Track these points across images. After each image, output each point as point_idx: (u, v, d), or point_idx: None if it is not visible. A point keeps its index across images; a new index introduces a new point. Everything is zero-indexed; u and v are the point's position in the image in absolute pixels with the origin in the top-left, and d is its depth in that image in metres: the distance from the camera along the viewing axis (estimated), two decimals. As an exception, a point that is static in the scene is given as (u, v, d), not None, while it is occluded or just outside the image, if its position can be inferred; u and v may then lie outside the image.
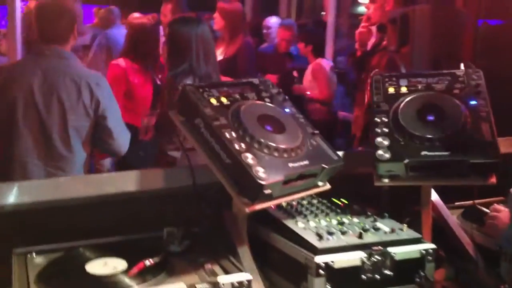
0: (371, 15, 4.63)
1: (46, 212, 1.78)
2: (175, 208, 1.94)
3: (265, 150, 1.66)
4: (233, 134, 1.66)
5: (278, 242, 1.80)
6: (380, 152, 1.85)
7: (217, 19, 4.97)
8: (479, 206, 2.21)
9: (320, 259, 1.63)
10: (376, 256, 1.69)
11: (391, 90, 2.03)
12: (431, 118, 1.91)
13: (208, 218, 1.92)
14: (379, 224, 1.85)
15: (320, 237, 1.72)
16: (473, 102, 1.94)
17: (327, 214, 1.90)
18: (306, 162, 1.71)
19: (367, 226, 1.82)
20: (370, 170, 1.88)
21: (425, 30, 3.54)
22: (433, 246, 1.79)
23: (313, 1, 11.09)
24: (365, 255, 1.69)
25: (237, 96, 1.82)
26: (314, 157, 1.76)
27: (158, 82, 4.41)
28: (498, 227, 1.88)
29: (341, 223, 1.84)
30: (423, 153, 1.83)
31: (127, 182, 1.86)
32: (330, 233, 1.74)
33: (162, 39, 4.45)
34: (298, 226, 1.80)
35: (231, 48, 4.85)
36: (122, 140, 3.18)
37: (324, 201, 2.01)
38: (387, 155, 1.83)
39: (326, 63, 5.47)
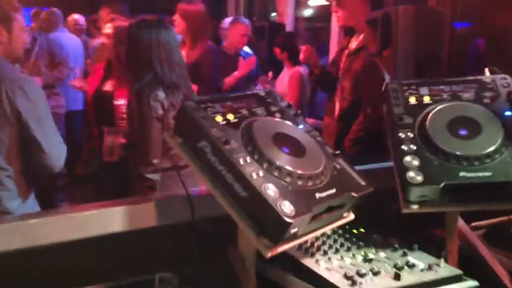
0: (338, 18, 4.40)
1: (17, 260, 1.43)
2: (169, 247, 1.61)
3: (287, 179, 1.36)
4: (248, 159, 1.35)
5: (297, 286, 1.50)
6: (411, 174, 1.58)
7: (178, 21, 4.60)
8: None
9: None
10: (418, 301, 1.42)
11: (413, 100, 1.77)
12: (464, 132, 1.65)
13: (209, 257, 1.61)
14: (411, 259, 1.59)
15: (350, 280, 1.44)
16: (508, 113, 1.70)
17: (348, 249, 1.62)
18: (333, 191, 1.43)
19: (399, 263, 1.55)
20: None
21: (408, 31, 3.33)
22: (476, 283, 1.54)
23: (264, 2, 10.86)
24: (404, 303, 1.42)
25: (245, 111, 1.52)
26: (341, 184, 1.47)
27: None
28: None
29: (368, 260, 1.56)
30: (462, 174, 1.57)
31: (112, 220, 1.51)
32: (361, 275, 1.46)
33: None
34: (321, 266, 1.51)
35: (194, 53, 4.49)
36: (55, 154, 2.78)
37: (340, 231, 1.72)
38: (420, 178, 1.57)
39: (303, 70, 5.19)
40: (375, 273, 1.48)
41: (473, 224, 2.09)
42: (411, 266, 1.54)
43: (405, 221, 1.82)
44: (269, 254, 1.32)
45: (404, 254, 1.62)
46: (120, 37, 3.54)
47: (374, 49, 3.52)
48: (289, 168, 1.37)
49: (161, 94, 3.04)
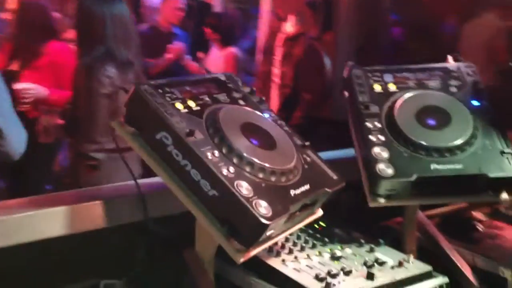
0: None
1: None
2: (117, 251, 1.43)
3: (260, 175, 1.22)
4: (216, 153, 1.20)
5: (263, 290, 1.38)
6: (381, 166, 1.48)
7: None
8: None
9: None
10: (393, 302, 1.33)
11: (378, 87, 1.67)
12: (432, 122, 1.58)
13: (161, 260, 1.44)
14: (380, 255, 1.50)
15: (322, 282, 1.32)
16: (475, 103, 1.64)
17: (313, 246, 1.51)
18: (307, 187, 1.30)
19: (368, 260, 1.46)
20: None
21: (350, 15, 3.26)
22: (446, 280, 1.48)
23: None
24: (382, 305, 1.32)
25: (206, 98, 1.35)
26: (313, 178, 1.35)
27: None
28: (503, 248, 1.61)
29: (336, 258, 1.46)
30: (433, 167, 1.49)
31: (49, 224, 1.30)
32: (333, 276, 1.35)
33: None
34: (288, 267, 1.39)
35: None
36: (14, 140, 2.48)
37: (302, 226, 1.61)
38: (390, 171, 1.47)
39: (237, 51, 4.99)
40: (347, 273, 1.38)
41: (426, 213, 2.05)
42: (381, 263, 1.45)
43: (357, 213, 1.74)
44: (241, 259, 1.18)
45: (371, 250, 1.53)
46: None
47: (314, 33, 3.43)
48: (261, 163, 1.22)
49: (112, 70, 2.79)
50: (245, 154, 1.21)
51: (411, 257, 1.50)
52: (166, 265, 1.47)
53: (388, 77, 1.70)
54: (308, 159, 1.39)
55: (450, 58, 1.79)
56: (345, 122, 1.72)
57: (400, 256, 1.51)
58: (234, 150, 1.21)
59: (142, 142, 1.25)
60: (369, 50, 3.33)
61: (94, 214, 1.35)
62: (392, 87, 1.67)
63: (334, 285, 1.31)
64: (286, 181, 1.25)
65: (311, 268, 1.39)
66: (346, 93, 1.76)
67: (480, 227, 1.77)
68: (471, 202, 1.78)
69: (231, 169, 1.18)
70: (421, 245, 1.74)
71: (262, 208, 1.14)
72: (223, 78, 1.46)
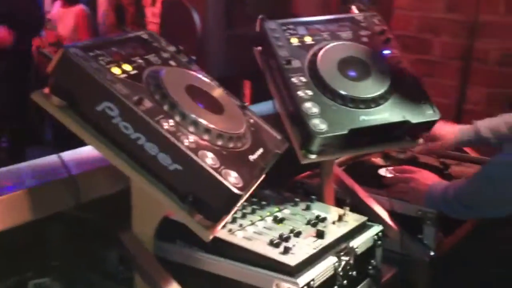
0: None
1: None
2: (40, 244, 1.23)
3: (219, 142, 1.11)
4: (172, 122, 1.06)
5: (215, 265, 1.29)
6: (315, 121, 1.44)
7: None
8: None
9: (302, 281, 1.19)
10: (343, 257, 1.33)
11: (295, 41, 1.62)
12: (353, 74, 1.57)
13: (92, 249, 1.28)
14: (318, 212, 1.48)
15: (278, 246, 1.27)
16: (386, 52, 1.67)
17: (253, 211, 1.44)
18: (261, 151, 1.22)
19: (310, 218, 1.44)
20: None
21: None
22: (380, 227, 1.51)
23: None
24: (336, 259, 1.31)
25: (139, 60, 1.19)
26: (263, 141, 1.27)
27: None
28: (417, 190, 1.69)
29: (279, 220, 1.42)
30: (362, 118, 1.50)
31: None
32: (285, 239, 1.30)
33: None
34: (237, 236, 1.31)
35: None
36: None
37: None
38: (324, 126, 1.44)
39: (85, 8, 4.52)
40: (297, 234, 1.34)
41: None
42: (323, 219, 1.44)
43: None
44: (210, 236, 1.07)
45: (308, 208, 1.51)
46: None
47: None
48: (218, 129, 1.11)
49: None
50: (201, 121, 1.09)
51: (347, 210, 1.51)
52: (97, 254, 1.31)
53: (301, 30, 1.66)
54: (251, 120, 1.31)
55: (354, 8, 1.79)
56: (222, 78, 1.60)
57: (335, 210, 1.52)
58: (189, 117, 1.08)
59: (75, 116, 1.06)
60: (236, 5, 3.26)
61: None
62: (308, 39, 1.63)
63: (290, 248, 1.26)
64: (242, 146, 1.16)
65: (260, 234, 1.33)
66: (258, 48, 1.69)
67: (389, 172, 1.84)
68: (394, 149, 1.83)
69: (191, 138, 1.05)
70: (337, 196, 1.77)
71: (232, 178, 1.04)
72: (145, 36, 1.30)
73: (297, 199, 1.54)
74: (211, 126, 1.10)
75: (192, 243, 1.34)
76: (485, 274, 1.85)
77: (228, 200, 1.04)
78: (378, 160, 2.07)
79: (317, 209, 1.51)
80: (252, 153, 1.17)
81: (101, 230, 1.25)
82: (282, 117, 1.54)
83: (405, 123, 1.53)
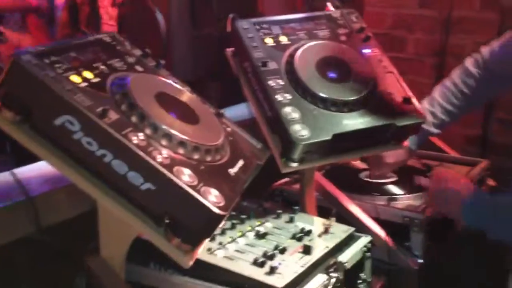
0: None
1: None
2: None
3: (195, 156, 0.99)
4: (141, 136, 0.94)
5: None
6: (296, 127, 1.34)
7: None
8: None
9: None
10: (333, 274, 1.23)
11: (270, 41, 1.51)
12: (333, 75, 1.47)
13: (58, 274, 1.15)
14: (302, 225, 1.38)
15: (263, 266, 1.16)
16: (367, 51, 1.58)
17: (233, 226, 1.33)
18: (242, 163, 1.11)
19: (295, 232, 1.33)
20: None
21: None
22: (369, 238, 1.42)
23: None
24: (326, 276, 1.21)
25: (101, 66, 1.06)
26: (242, 151, 1.16)
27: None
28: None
29: (261, 236, 1.31)
30: (345, 122, 1.40)
31: None
32: (270, 257, 1.20)
33: None
34: (218, 256, 1.19)
35: None
36: None
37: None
38: (306, 132, 1.34)
39: None
40: (282, 251, 1.24)
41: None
42: (308, 233, 1.34)
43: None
44: (190, 262, 0.96)
45: (291, 220, 1.41)
46: None
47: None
48: (194, 141, 0.99)
49: None
50: (174, 133, 0.97)
51: (333, 221, 1.41)
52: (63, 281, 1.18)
53: (276, 29, 1.55)
54: (228, 129, 1.19)
55: (329, 5, 1.70)
56: (189, 81, 1.49)
57: (320, 221, 1.41)
58: (160, 129, 0.96)
59: (29, 132, 0.93)
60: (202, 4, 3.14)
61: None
62: (284, 39, 1.53)
63: (276, 267, 1.15)
64: (221, 159, 1.05)
65: (242, 252, 1.22)
66: (229, 50, 1.58)
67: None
68: (378, 153, 1.74)
69: (164, 153, 0.94)
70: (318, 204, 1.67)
71: (213, 196, 0.92)
72: (108, 39, 1.17)
73: (279, 211, 1.43)
74: (186, 138, 0.98)
75: (167, 266, 1.22)
76: (473, 279, 1.79)
77: (208, 221, 0.92)
78: (358, 164, 1.98)
79: (301, 221, 1.40)
80: (232, 166, 1.06)
81: (66, 255, 1.11)
82: (260, 123, 1.43)
83: (390, 126, 1.44)
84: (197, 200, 0.90)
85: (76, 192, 1.00)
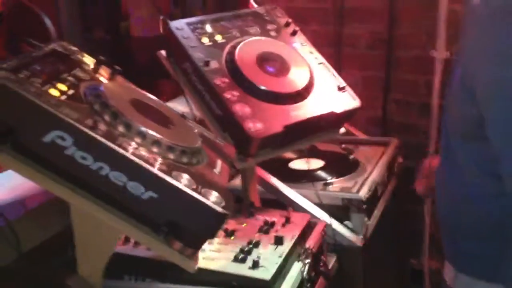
0: None
1: None
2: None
3: (184, 159, 0.99)
4: (134, 145, 0.91)
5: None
6: (250, 123, 1.36)
7: None
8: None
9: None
10: (305, 260, 1.29)
11: (206, 40, 1.51)
12: (272, 70, 1.51)
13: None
14: (264, 217, 1.41)
15: (244, 262, 1.18)
16: (297, 44, 1.64)
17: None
18: (219, 161, 1.11)
19: (260, 226, 1.37)
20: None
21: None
22: (324, 223, 1.50)
23: None
24: (301, 264, 1.26)
25: (69, 77, 1.01)
26: (216, 150, 1.16)
27: None
28: None
29: (230, 233, 1.33)
30: (293, 113, 1.45)
31: None
32: (248, 252, 1.22)
33: None
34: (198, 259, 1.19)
35: None
36: None
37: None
38: (260, 126, 1.37)
39: None
40: (256, 244, 1.26)
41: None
42: (272, 224, 1.38)
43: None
44: (196, 266, 0.95)
45: (251, 214, 1.43)
46: None
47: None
48: (180, 145, 0.99)
49: None
50: (161, 139, 0.96)
51: (290, 210, 1.46)
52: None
53: (209, 28, 1.56)
54: (196, 130, 1.19)
55: (252, 2, 1.73)
56: None
57: (278, 212, 1.45)
58: (149, 137, 0.95)
59: (13, 153, 0.87)
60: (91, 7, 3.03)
61: None
62: (219, 37, 1.54)
63: (258, 261, 1.18)
64: (203, 160, 1.05)
65: (219, 251, 1.23)
66: (162, 52, 1.56)
67: None
68: (321, 140, 1.79)
69: (159, 160, 0.92)
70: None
71: (213, 197, 0.93)
72: (60, 49, 1.11)
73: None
74: (174, 142, 0.97)
75: (142, 276, 1.20)
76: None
77: (214, 222, 0.92)
78: (286, 154, 2.04)
79: (260, 214, 1.44)
80: (215, 166, 1.06)
81: (47, 280, 1.05)
82: (209, 123, 1.44)
83: (330, 114, 1.52)
84: (202, 203, 0.90)
85: (48, 211, 0.95)
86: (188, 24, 1.53)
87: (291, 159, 2.00)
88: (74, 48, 1.15)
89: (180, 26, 1.51)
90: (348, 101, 1.56)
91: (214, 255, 1.21)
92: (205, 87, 1.43)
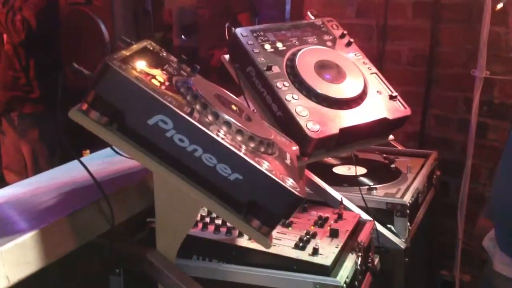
0: None
1: None
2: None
3: (262, 149, 1.10)
4: (223, 132, 1.03)
5: (243, 276, 1.26)
6: (309, 124, 1.47)
7: None
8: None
9: (340, 280, 1.22)
10: (359, 253, 1.38)
11: (268, 47, 1.63)
12: (328, 77, 1.62)
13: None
14: (318, 213, 1.52)
15: (304, 249, 1.29)
16: (351, 54, 1.75)
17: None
18: (288, 154, 1.22)
19: (315, 220, 1.47)
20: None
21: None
22: (373, 222, 1.58)
23: None
24: (355, 256, 1.36)
25: (162, 71, 1.13)
26: (284, 145, 1.27)
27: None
28: None
29: (287, 225, 1.42)
30: (348, 118, 1.55)
31: None
32: (307, 241, 1.32)
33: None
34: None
35: None
36: None
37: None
38: (318, 127, 1.48)
39: None
40: (313, 235, 1.36)
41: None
42: (326, 219, 1.48)
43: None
44: (271, 243, 1.06)
45: (305, 210, 1.53)
46: None
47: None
48: (259, 136, 1.10)
49: None
50: (245, 129, 1.07)
51: (342, 207, 1.56)
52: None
53: (271, 36, 1.68)
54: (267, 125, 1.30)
55: (309, 14, 1.85)
56: None
57: (330, 210, 1.56)
58: (233, 127, 1.06)
59: (117, 132, 0.99)
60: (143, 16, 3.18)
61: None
62: (279, 45, 1.66)
63: (317, 249, 1.28)
64: (276, 151, 1.16)
65: (279, 239, 1.33)
66: (225, 57, 1.68)
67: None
68: (373, 145, 1.88)
69: (243, 147, 1.03)
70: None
71: (290, 182, 1.03)
72: (151, 47, 1.24)
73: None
74: (254, 133, 1.08)
75: (210, 257, 1.31)
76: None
77: (291, 204, 1.03)
78: (329, 159, 2.15)
79: (313, 210, 1.54)
80: (286, 158, 1.17)
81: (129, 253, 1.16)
82: (268, 123, 1.55)
83: (383, 120, 1.61)
84: (282, 186, 1.00)
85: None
86: (252, 31, 1.65)
87: (334, 165, 2.10)
88: (158, 47, 1.27)
89: (245, 33, 1.63)
90: (399, 109, 1.66)
91: (276, 242, 1.31)
92: (267, 89, 1.55)
